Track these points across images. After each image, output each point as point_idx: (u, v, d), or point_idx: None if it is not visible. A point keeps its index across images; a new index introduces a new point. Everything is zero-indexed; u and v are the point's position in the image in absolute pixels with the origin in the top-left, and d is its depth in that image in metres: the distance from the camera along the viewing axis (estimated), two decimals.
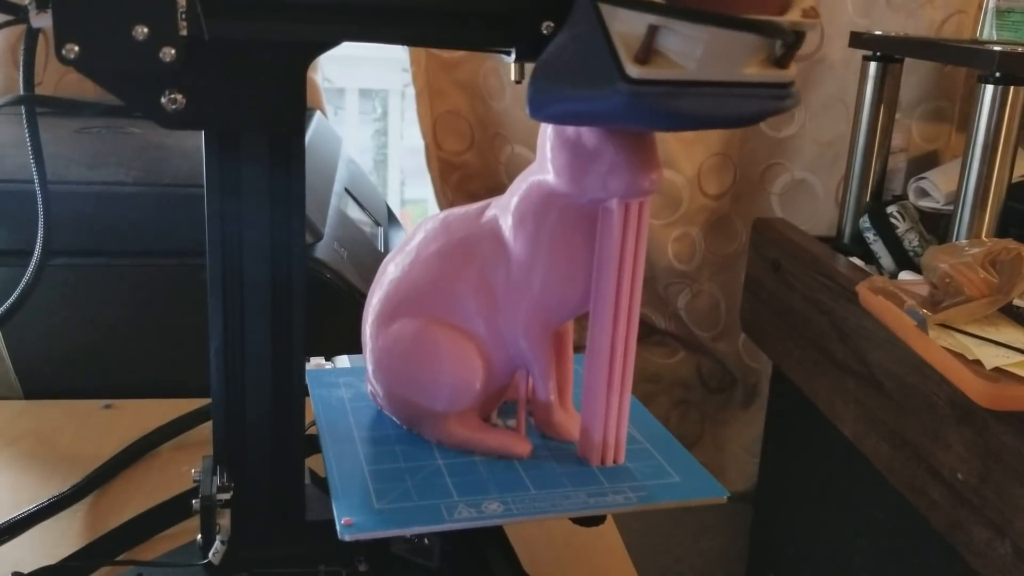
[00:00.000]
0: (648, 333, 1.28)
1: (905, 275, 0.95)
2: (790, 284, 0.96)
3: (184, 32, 0.35)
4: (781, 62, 0.35)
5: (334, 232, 0.78)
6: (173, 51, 0.36)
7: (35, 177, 0.44)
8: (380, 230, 0.97)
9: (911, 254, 0.98)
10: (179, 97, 0.37)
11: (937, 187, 1.02)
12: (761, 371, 1.27)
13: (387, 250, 0.94)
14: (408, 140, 1.58)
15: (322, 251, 0.73)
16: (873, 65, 1.02)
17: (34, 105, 0.43)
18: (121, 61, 0.35)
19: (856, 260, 0.98)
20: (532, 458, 0.46)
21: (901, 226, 0.99)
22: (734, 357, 1.28)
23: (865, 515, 0.89)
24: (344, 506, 0.41)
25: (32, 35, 0.41)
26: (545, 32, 0.38)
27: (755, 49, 0.35)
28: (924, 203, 1.03)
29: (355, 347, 0.58)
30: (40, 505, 0.53)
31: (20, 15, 0.38)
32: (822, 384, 0.89)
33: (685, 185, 1.17)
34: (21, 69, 0.43)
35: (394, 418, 0.49)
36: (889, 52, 1.01)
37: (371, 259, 0.85)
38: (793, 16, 0.34)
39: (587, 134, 0.42)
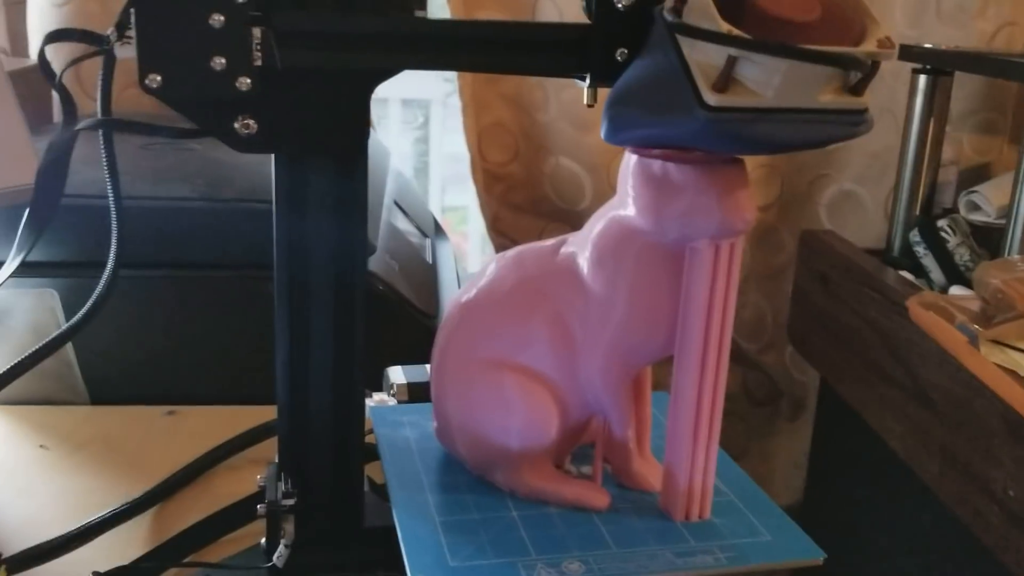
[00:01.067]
0: None
1: (956, 290, 0.94)
2: (838, 297, 0.96)
3: (259, 63, 0.37)
4: (856, 90, 0.35)
5: (385, 244, 0.80)
6: (248, 80, 0.37)
7: (111, 195, 0.46)
8: (427, 241, 0.99)
9: (962, 268, 0.97)
10: (251, 123, 0.39)
11: (989, 200, 1.01)
12: (808, 384, 1.26)
13: (435, 261, 0.96)
14: (448, 148, 1.60)
15: (375, 263, 0.75)
16: (923, 78, 1.01)
17: (112, 129, 0.45)
18: (200, 90, 0.37)
19: (906, 274, 0.97)
20: (610, 511, 0.44)
21: (952, 240, 0.98)
22: (781, 370, 1.27)
23: (913, 531, 0.88)
24: (417, 563, 0.39)
25: (110, 62, 0.43)
26: (619, 59, 0.39)
27: (831, 78, 0.35)
28: (975, 217, 1.02)
29: (408, 357, 0.59)
30: (114, 510, 0.55)
31: (103, 46, 0.40)
32: (871, 398, 0.88)
33: None
34: (99, 94, 0.45)
35: (464, 463, 0.47)
36: (940, 65, 1.00)
37: (420, 270, 0.86)
38: (869, 46, 0.35)
39: (674, 171, 0.39)
